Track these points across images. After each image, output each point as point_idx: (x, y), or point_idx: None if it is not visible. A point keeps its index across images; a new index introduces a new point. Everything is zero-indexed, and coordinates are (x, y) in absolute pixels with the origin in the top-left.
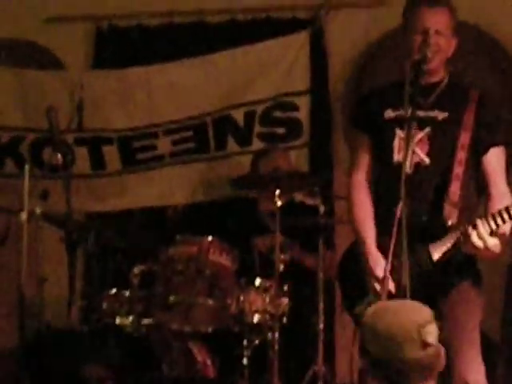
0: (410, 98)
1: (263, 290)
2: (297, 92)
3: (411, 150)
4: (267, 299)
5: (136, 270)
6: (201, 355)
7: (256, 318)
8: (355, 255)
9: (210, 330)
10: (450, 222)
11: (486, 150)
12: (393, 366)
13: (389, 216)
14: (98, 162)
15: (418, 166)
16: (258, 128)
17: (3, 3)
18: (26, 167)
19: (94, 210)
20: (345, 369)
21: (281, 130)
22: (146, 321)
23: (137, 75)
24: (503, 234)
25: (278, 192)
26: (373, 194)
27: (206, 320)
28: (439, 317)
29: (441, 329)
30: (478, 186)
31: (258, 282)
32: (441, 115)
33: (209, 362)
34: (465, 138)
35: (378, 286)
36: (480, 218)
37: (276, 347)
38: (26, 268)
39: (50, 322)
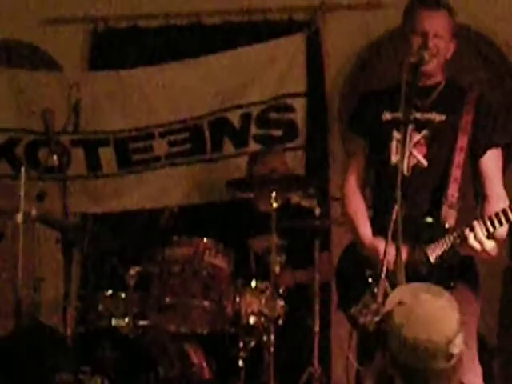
0: (407, 100)
1: (259, 291)
2: (293, 94)
3: (409, 152)
4: (263, 301)
5: (132, 271)
6: (197, 357)
7: (252, 320)
8: (352, 256)
9: (205, 331)
10: (447, 224)
11: (483, 152)
12: (415, 372)
13: (386, 218)
14: (94, 164)
15: (416, 168)
16: (254, 130)
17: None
18: (23, 169)
19: (90, 212)
20: (340, 371)
21: (277, 132)
22: (141, 322)
23: (133, 77)
24: (500, 237)
25: (273, 194)
26: (371, 197)
27: (202, 321)
28: None
29: None
30: (475, 187)
31: (253, 283)
32: (438, 117)
33: (204, 363)
34: (462, 140)
35: (386, 260)
36: (477, 220)
37: (272, 349)
38: (21, 269)
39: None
